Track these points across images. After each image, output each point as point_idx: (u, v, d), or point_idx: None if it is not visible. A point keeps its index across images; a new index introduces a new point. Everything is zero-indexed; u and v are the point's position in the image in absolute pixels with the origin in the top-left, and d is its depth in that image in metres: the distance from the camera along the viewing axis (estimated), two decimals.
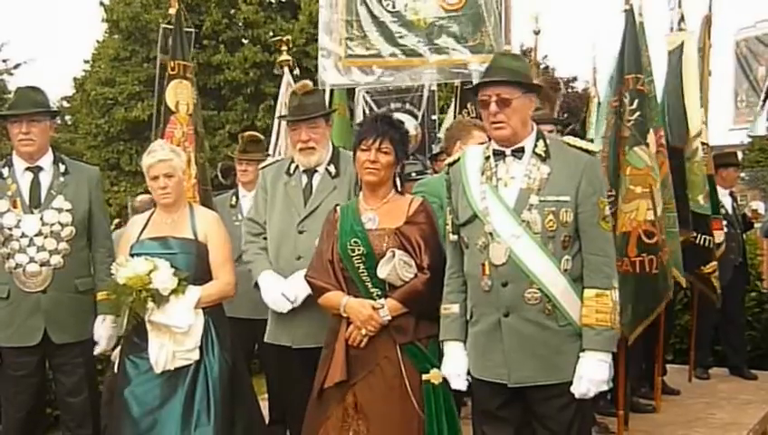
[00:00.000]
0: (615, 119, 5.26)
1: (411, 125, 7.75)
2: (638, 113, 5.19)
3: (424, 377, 3.74)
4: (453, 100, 7.35)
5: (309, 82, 4.75)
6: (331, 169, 4.44)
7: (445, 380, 3.76)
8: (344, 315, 3.80)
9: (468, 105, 6.58)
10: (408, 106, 7.95)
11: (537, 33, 7.32)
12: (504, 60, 3.58)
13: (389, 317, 3.74)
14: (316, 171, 4.53)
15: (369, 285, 3.79)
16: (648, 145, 5.21)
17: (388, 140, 3.85)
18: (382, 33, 5.56)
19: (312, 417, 3.88)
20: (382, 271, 3.73)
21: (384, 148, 3.84)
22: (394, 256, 3.72)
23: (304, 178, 4.53)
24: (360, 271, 3.79)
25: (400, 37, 5.52)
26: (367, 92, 8.29)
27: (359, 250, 3.79)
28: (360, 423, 3.76)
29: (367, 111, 8.16)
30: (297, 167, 4.57)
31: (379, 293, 3.78)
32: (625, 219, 5.16)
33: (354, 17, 5.60)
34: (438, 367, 3.76)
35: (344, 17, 5.61)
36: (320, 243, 4.00)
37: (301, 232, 4.32)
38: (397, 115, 7.90)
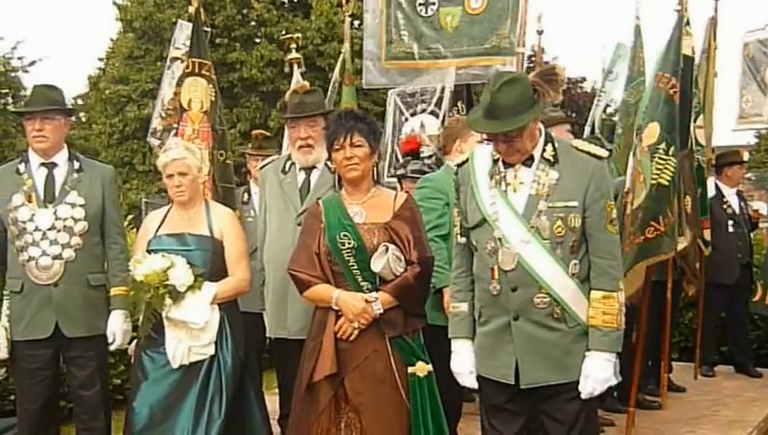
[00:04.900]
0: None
1: (434, 126, 7.81)
2: (642, 110, 5.22)
3: (410, 370, 3.80)
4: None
5: (306, 84, 4.81)
6: (332, 165, 4.49)
7: (430, 372, 3.84)
8: (335, 308, 3.82)
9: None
10: (432, 107, 8.00)
11: (540, 32, 7.36)
12: (501, 96, 3.32)
13: (382, 310, 3.78)
14: (314, 168, 4.60)
15: (360, 278, 3.82)
16: (641, 141, 5.24)
17: (357, 132, 3.87)
18: (414, 35, 5.65)
19: (304, 410, 3.90)
20: (376, 265, 3.76)
21: (356, 141, 3.86)
22: (387, 250, 3.76)
23: (301, 175, 4.62)
24: (351, 264, 3.82)
25: (429, 41, 5.60)
26: (398, 95, 8.37)
27: (349, 243, 3.81)
28: (351, 415, 3.81)
29: (397, 113, 8.23)
30: (293, 164, 4.63)
31: (369, 286, 3.81)
32: None
33: (393, 21, 5.69)
34: (424, 360, 3.85)
35: (384, 22, 5.71)
36: (302, 236, 4.02)
37: (300, 225, 4.32)
38: (422, 117, 8.04)
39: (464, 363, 3.64)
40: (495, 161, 3.51)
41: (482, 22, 5.49)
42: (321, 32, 23.92)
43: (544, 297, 3.38)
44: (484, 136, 3.59)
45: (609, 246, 3.44)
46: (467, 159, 3.65)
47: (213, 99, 5.47)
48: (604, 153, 3.53)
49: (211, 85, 5.48)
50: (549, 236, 3.37)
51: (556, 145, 3.48)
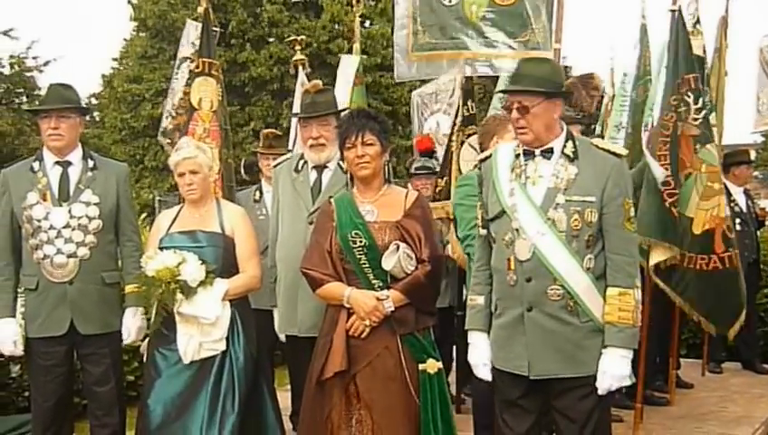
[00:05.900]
0: (675, 118, 5.25)
1: (447, 125, 7.86)
2: (704, 111, 5.22)
3: (420, 367, 3.85)
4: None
5: (319, 82, 4.85)
6: (344, 164, 4.52)
7: (440, 370, 3.88)
8: (347, 306, 3.86)
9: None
10: (445, 106, 8.04)
11: None
12: (528, 66, 3.59)
13: (393, 308, 3.82)
14: (326, 167, 4.64)
15: (371, 276, 3.86)
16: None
17: (368, 131, 3.91)
18: (439, 26, 5.62)
19: (314, 406, 3.95)
20: (387, 263, 3.80)
21: (367, 140, 3.91)
22: (398, 248, 3.79)
23: (313, 174, 4.65)
24: (362, 262, 3.86)
25: (453, 30, 5.56)
26: (418, 95, 8.43)
27: (360, 242, 3.85)
28: (362, 412, 3.85)
29: (418, 113, 8.28)
30: (306, 163, 4.67)
31: (381, 284, 3.85)
32: (706, 217, 5.16)
33: (418, 12, 5.66)
34: (435, 357, 3.88)
35: (411, 12, 5.69)
36: (315, 234, 4.06)
37: (311, 224, 4.36)
38: (438, 116, 8.05)
39: (479, 356, 3.69)
40: (517, 156, 3.57)
41: (513, 15, 5.39)
42: (327, 30, 24.06)
43: (558, 289, 3.43)
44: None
45: (626, 244, 3.48)
46: (491, 155, 3.72)
47: (219, 98, 5.52)
48: (624, 151, 3.60)
49: (219, 85, 5.54)
50: (565, 229, 3.43)
51: (577, 142, 3.54)
